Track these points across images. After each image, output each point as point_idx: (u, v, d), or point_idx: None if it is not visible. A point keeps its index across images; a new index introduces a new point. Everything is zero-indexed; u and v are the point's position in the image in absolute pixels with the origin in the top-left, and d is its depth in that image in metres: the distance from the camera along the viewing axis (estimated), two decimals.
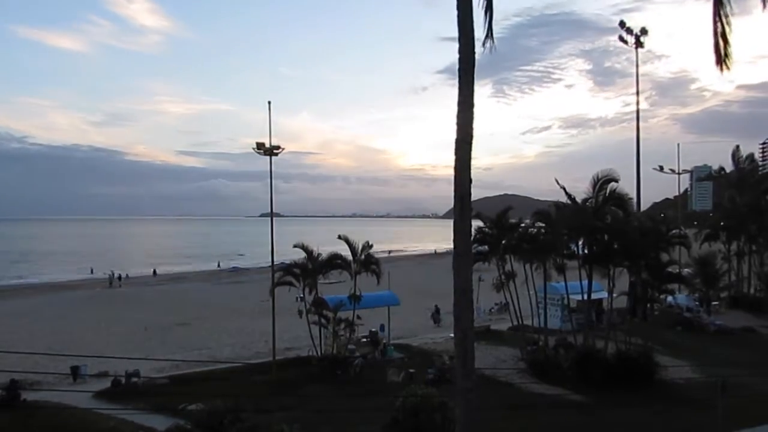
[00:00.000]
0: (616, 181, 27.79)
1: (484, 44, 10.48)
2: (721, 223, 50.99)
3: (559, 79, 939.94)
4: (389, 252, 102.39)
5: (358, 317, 29.45)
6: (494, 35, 10.44)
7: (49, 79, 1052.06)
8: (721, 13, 9.90)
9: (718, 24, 9.94)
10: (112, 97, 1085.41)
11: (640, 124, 44.68)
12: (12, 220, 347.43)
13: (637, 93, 46.11)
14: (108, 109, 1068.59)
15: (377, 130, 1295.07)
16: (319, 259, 29.21)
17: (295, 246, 29.63)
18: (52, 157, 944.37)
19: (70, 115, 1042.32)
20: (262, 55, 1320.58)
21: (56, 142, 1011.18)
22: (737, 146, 53.85)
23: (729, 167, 55.74)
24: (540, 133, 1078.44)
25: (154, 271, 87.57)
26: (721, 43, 10.01)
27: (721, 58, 10.07)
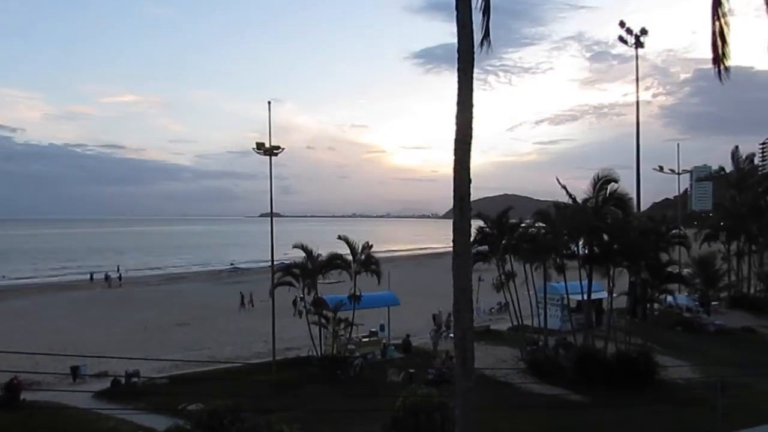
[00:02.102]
0: (616, 181, 27.88)
1: (481, 45, 10.57)
2: (721, 223, 51.02)
3: (550, 69, 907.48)
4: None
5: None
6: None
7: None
8: (720, 12, 9.87)
9: (717, 23, 9.92)
10: (72, 87, 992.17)
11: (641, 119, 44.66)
12: (4, 220, 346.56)
13: (637, 93, 46.38)
14: (72, 100, 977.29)
15: (367, 125, 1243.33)
16: (319, 259, 29.25)
17: (294, 246, 29.66)
18: (40, 156, 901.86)
19: (38, 108, 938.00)
20: (238, 40, 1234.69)
21: (33, 140, 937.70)
22: (736, 147, 54.00)
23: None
24: (534, 129, 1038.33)
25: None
26: (719, 42, 9.98)
27: (719, 58, 10.04)
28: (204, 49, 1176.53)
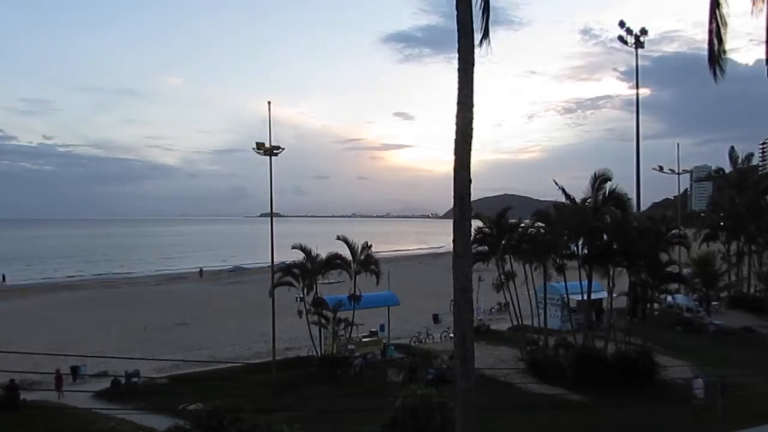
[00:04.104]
0: (611, 179, 27.85)
1: (480, 44, 10.47)
2: (721, 224, 51.01)
3: (538, 59, 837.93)
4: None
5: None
6: None
7: None
8: (718, 12, 9.90)
9: (714, 23, 9.95)
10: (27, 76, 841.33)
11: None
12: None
13: (637, 93, 46.18)
14: (28, 93, 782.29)
15: (359, 120, 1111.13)
16: (318, 259, 29.28)
17: (293, 247, 29.68)
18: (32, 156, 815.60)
19: None
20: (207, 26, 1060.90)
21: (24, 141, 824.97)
22: (732, 147, 54.01)
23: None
24: (526, 125, 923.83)
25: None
26: (715, 42, 10.02)
27: (714, 57, 10.09)
28: (177, 40, 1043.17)
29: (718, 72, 10.15)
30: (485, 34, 10.45)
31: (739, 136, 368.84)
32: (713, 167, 65.46)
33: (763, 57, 9.66)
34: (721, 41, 10.00)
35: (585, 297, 29.81)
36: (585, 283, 29.36)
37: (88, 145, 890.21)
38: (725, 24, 9.96)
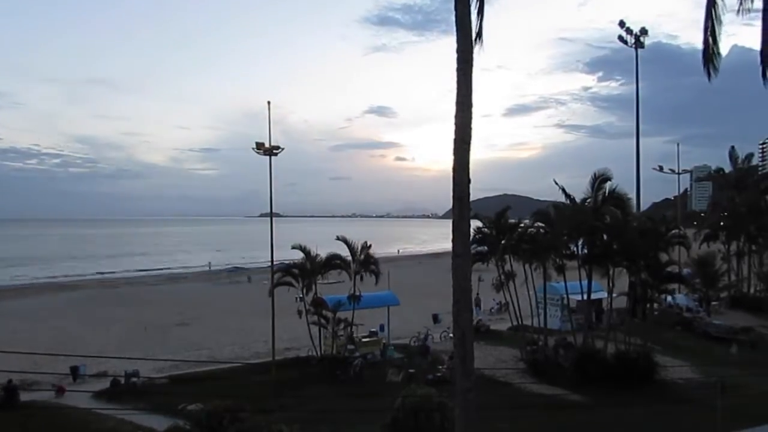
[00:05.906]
0: (611, 179, 27.85)
1: (474, 42, 10.50)
2: (721, 224, 51.04)
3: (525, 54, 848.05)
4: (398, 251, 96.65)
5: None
6: None
7: None
8: (714, 11, 9.91)
9: (709, 21, 9.96)
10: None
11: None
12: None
13: (637, 93, 46.14)
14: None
15: (354, 117, 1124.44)
16: (318, 259, 29.27)
17: (293, 247, 29.68)
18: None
19: None
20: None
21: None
22: (733, 147, 54.08)
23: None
24: (525, 119, 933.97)
25: None
26: (710, 41, 10.03)
27: (709, 56, 10.10)
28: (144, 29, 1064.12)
29: (711, 71, 10.16)
30: (479, 34, 10.47)
31: (721, 132, 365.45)
32: (712, 167, 65.67)
33: (741, 44, 9.71)
34: (715, 40, 10.01)
35: (585, 297, 29.80)
36: (585, 283, 29.36)
37: (67, 143, 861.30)
38: (720, 22, 9.97)
